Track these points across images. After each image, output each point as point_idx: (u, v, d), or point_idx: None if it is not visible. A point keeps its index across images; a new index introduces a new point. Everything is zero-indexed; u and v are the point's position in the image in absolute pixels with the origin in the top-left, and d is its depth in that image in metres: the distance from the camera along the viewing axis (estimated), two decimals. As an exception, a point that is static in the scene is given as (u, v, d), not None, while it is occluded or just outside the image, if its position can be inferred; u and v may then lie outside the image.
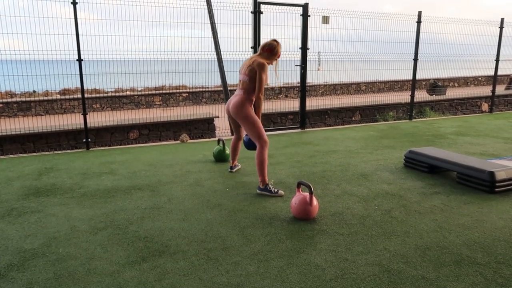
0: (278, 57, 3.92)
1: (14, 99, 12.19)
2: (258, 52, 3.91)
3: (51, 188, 3.98)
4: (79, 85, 5.79)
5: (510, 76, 15.08)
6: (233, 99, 3.89)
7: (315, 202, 3.15)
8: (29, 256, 2.63)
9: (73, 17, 5.47)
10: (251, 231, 2.97)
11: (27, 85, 6.33)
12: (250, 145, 4.02)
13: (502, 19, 9.26)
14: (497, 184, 3.72)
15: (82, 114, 5.99)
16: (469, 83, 21.24)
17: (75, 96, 12.45)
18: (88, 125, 6.22)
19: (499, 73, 9.72)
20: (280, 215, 3.28)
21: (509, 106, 11.84)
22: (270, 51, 3.84)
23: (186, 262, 2.53)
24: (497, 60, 9.45)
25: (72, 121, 7.87)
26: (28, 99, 12.07)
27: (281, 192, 3.74)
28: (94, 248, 2.73)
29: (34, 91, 12.84)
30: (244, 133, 4.14)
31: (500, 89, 12.92)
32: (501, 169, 3.80)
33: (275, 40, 3.88)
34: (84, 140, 5.99)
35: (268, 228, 3.02)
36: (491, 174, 3.73)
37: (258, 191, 3.79)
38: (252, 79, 3.77)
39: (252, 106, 3.86)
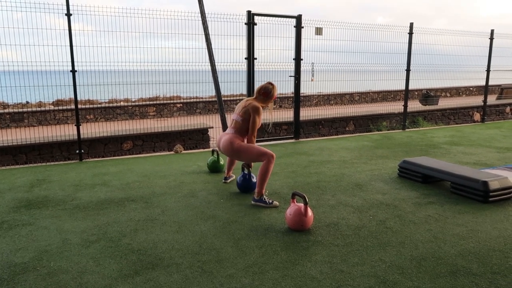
0: (274, 99, 4.03)
1: (6, 110, 12.10)
2: (254, 96, 4.01)
3: (43, 200, 3.93)
4: (72, 96, 5.76)
5: (501, 86, 15.28)
6: (223, 138, 3.95)
7: (310, 213, 3.14)
8: (19, 270, 2.58)
9: (67, 28, 5.47)
10: (245, 243, 2.94)
11: (20, 96, 6.30)
12: (242, 188, 4.10)
13: (492, 31, 9.42)
14: (491, 193, 3.73)
15: (75, 125, 5.96)
16: (461, 93, 21.49)
17: (69, 107, 12.39)
18: (82, 136, 6.18)
19: (490, 83, 9.85)
20: (275, 226, 3.26)
21: (501, 116, 11.98)
22: (266, 94, 3.95)
23: (180, 275, 2.50)
24: (488, 71, 9.58)
25: (65, 132, 7.82)
26: (21, 110, 11.99)
27: (275, 203, 3.73)
28: (86, 261, 2.68)
29: (27, 102, 12.77)
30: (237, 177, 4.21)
31: (492, 99, 13.07)
32: (494, 178, 3.82)
33: (270, 83, 3.99)
34: (77, 151, 5.94)
35: (263, 240, 2.99)
36: (485, 183, 3.75)
37: (252, 202, 3.77)
38: (246, 121, 3.87)
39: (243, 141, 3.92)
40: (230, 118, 4.12)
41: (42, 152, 6.91)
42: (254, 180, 4.05)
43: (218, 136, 4.13)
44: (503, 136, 7.63)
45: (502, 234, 3.08)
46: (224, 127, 7.23)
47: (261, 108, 3.90)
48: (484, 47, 9.44)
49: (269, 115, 4.25)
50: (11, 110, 12.05)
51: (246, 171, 4.11)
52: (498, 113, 12.03)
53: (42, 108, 12.55)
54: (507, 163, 5.33)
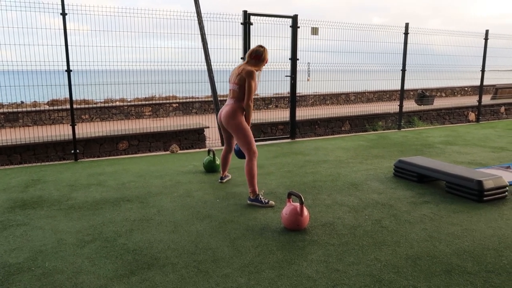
0: (266, 62, 3.94)
1: (1, 110, 12.03)
2: (245, 60, 3.92)
3: (38, 201, 3.91)
4: (67, 96, 5.74)
5: (495, 86, 15.38)
6: (225, 109, 3.89)
7: (305, 212, 3.14)
8: (14, 271, 2.56)
9: (63, 28, 5.45)
10: (241, 243, 2.94)
11: (14, 96, 6.26)
12: (240, 154, 4.01)
13: (487, 31, 9.48)
14: (485, 193, 3.76)
15: (70, 125, 5.93)
16: (456, 93, 21.60)
17: (64, 107, 12.32)
18: (77, 136, 6.15)
19: (485, 83, 9.91)
20: (270, 225, 3.26)
21: (495, 116, 12.06)
22: (258, 57, 3.86)
23: (175, 275, 2.49)
24: (483, 71, 9.64)
25: (61, 132, 7.78)
26: (15, 110, 11.92)
27: (271, 202, 3.73)
28: (82, 261, 2.67)
29: (22, 102, 12.69)
30: (235, 143, 4.14)
31: (486, 99, 13.16)
32: (489, 178, 3.85)
33: (261, 46, 3.90)
34: (72, 151, 5.92)
35: (259, 239, 2.99)
36: (480, 183, 3.77)
37: (248, 201, 3.77)
38: (242, 88, 3.79)
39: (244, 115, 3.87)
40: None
41: (37, 152, 6.87)
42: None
43: (220, 110, 4.04)
44: (498, 135, 7.68)
45: (497, 233, 3.10)
46: (220, 127, 7.21)
47: (255, 72, 3.81)
48: (479, 47, 9.50)
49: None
50: (5, 110, 11.97)
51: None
52: (492, 113, 12.11)
53: (37, 108, 12.48)
54: (502, 163, 5.36)
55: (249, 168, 3.73)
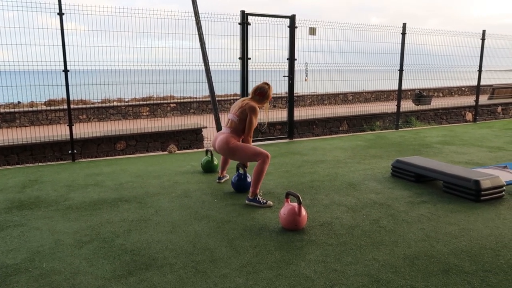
0: (270, 100, 4.03)
1: (-2, 110, 11.99)
2: (250, 96, 4.01)
3: (35, 201, 3.90)
4: (65, 96, 5.72)
5: (492, 86, 15.43)
6: (219, 137, 3.93)
7: (303, 212, 3.14)
8: (11, 272, 2.55)
9: (60, 27, 5.43)
10: (239, 243, 2.94)
11: (11, 96, 6.24)
12: (237, 187, 4.10)
13: (484, 31, 9.51)
14: (482, 192, 3.77)
15: (68, 125, 5.91)
16: (453, 93, 21.67)
17: (61, 107, 12.30)
18: (74, 136, 6.14)
19: (482, 83, 9.95)
20: (269, 226, 3.26)
21: (492, 116, 12.10)
22: (262, 95, 3.94)
23: (173, 275, 2.49)
24: (480, 71, 9.67)
25: (58, 132, 7.76)
26: (12, 110, 11.88)
27: (269, 202, 3.73)
28: (79, 262, 2.67)
29: (19, 102, 12.64)
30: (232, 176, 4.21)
31: (483, 99, 13.20)
32: (486, 177, 3.86)
33: (266, 84, 3.99)
34: (70, 151, 5.90)
35: (257, 239, 2.99)
36: (477, 182, 3.79)
37: (246, 201, 3.77)
38: (242, 121, 3.86)
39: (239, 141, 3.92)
40: (224, 118, 4.11)
41: (34, 152, 6.85)
42: (249, 180, 4.06)
43: (214, 136, 4.12)
44: (495, 135, 7.70)
45: (494, 232, 3.11)
46: (218, 127, 7.22)
47: (257, 109, 3.89)
48: (475, 48, 9.54)
49: (264, 115, 4.23)
50: (2, 110, 11.93)
51: (241, 171, 4.11)
52: (489, 113, 12.15)
53: (34, 108, 12.45)
54: (499, 162, 5.38)
55: (260, 168, 3.71)
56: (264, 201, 3.73)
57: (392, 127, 9.39)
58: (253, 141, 6.97)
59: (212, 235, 3.08)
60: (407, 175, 4.50)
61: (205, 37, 7.02)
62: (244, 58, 6.59)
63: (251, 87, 4.04)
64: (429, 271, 2.52)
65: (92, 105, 12.98)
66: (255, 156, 3.74)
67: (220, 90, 7.65)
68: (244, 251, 2.81)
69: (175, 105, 14.22)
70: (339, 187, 4.29)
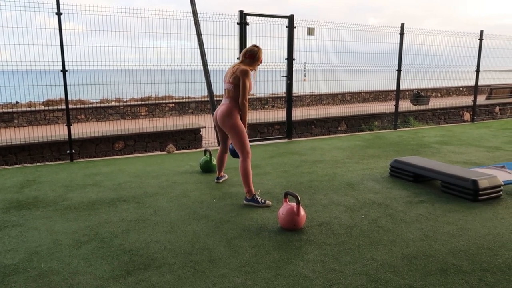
0: (261, 62, 3.94)
1: (-4, 110, 11.96)
2: (240, 60, 3.93)
3: (33, 201, 3.89)
4: (63, 96, 5.71)
5: (490, 86, 15.47)
6: (220, 108, 3.89)
7: (302, 212, 3.15)
8: (9, 272, 2.55)
9: (58, 27, 5.42)
10: (238, 243, 2.94)
11: (9, 96, 6.22)
12: (235, 154, 4.02)
13: (482, 32, 9.53)
14: (480, 192, 3.78)
15: (66, 125, 5.91)
16: (451, 93, 21.71)
17: (59, 107, 12.28)
18: (73, 136, 6.13)
19: (479, 83, 9.97)
20: (267, 225, 3.26)
21: (490, 116, 12.13)
22: (252, 57, 3.86)
23: (172, 275, 2.49)
24: (478, 71, 9.69)
25: (56, 132, 7.75)
26: (10, 110, 11.85)
27: (268, 202, 3.73)
28: (78, 262, 2.66)
29: (17, 102, 12.62)
30: (230, 143, 4.14)
31: (481, 99, 13.23)
32: (484, 177, 3.87)
33: (255, 46, 3.90)
34: (68, 151, 5.89)
35: (256, 239, 3.00)
36: (475, 182, 3.80)
37: (245, 202, 3.78)
38: (237, 87, 3.79)
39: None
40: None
41: (32, 152, 6.83)
42: None
43: (216, 110, 4.04)
44: (493, 135, 7.72)
45: (491, 232, 3.12)
46: (217, 127, 7.20)
47: (250, 71, 3.81)
48: (473, 48, 9.56)
49: (252, 79, 4.08)
50: (0, 110, 11.90)
51: None
52: (487, 113, 12.18)
53: (32, 108, 12.42)
54: (496, 162, 5.40)
55: (244, 168, 3.74)
56: (263, 201, 3.73)
57: (390, 127, 9.40)
58: (252, 141, 6.98)
59: (211, 235, 3.08)
60: (405, 175, 4.51)
61: (204, 37, 7.02)
62: (243, 58, 6.58)
63: (242, 50, 3.94)
64: (427, 271, 2.53)
65: (90, 105, 12.96)
66: (241, 146, 3.75)
67: (219, 90, 7.64)
68: (242, 251, 2.81)
69: (173, 105, 14.21)
70: (337, 187, 4.30)
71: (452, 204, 3.74)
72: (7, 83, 5.77)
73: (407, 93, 18.05)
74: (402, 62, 8.45)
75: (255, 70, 3.96)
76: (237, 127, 3.78)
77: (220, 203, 3.81)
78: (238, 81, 3.77)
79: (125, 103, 13.67)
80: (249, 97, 3.87)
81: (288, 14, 6.97)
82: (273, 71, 7.03)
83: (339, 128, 10.00)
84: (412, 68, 8.87)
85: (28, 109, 12.24)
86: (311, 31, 7.20)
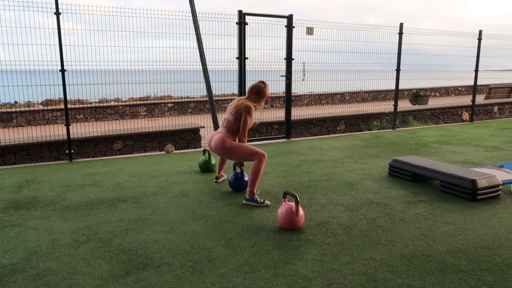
0: (267, 98, 4.03)
1: (-6, 110, 11.94)
2: (246, 95, 4.01)
3: (32, 201, 3.89)
4: (62, 96, 5.71)
5: (489, 86, 15.49)
6: (215, 136, 3.94)
7: (301, 212, 3.15)
8: (8, 272, 2.55)
9: (56, 27, 5.42)
10: (237, 242, 2.94)
11: (8, 96, 6.21)
12: (234, 186, 4.09)
13: (480, 31, 9.54)
14: (479, 192, 3.79)
15: (65, 125, 5.90)
16: (450, 93, 21.74)
17: (58, 107, 12.26)
18: (71, 136, 6.12)
19: (478, 83, 9.98)
20: (266, 225, 3.26)
21: (489, 115, 12.15)
22: (258, 93, 3.94)
23: (171, 275, 2.49)
24: (476, 71, 9.70)
25: (55, 132, 7.74)
26: (9, 110, 11.83)
27: (267, 202, 3.73)
28: (76, 262, 2.66)
29: (16, 102, 12.61)
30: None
31: (480, 99, 13.25)
32: (482, 177, 3.88)
33: (262, 82, 3.98)
34: (67, 151, 5.89)
35: (255, 239, 3.00)
36: (473, 182, 3.80)
37: (244, 201, 3.78)
38: (237, 120, 3.86)
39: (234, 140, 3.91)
40: (222, 117, 4.11)
41: (31, 152, 6.83)
42: (246, 179, 4.05)
43: (210, 135, 4.12)
44: (491, 135, 7.73)
45: (490, 231, 3.13)
46: (216, 127, 7.21)
47: (253, 108, 3.90)
48: (472, 47, 9.57)
49: (259, 115, 4.24)
50: (-1, 110, 11.88)
51: (238, 170, 4.11)
52: (486, 113, 12.20)
53: (31, 108, 12.40)
54: (495, 162, 5.40)
55: (257, 168, 3.71)
56: (262, 200, 3.73)
57: (389, 126, 9.41)
58: (251, 140, 6.98)
59: (210, 235, 3.08)
60: (404, 175, 4.52)
61: (203, 37, 7.02)
62: (242, 58, 6.59)
63: (248, 86, 4.03)
64: (426, 270, 2.53)
65: (89, 105, 12.94)
66: (251, 155, 3.75)
67: (218, 90, 7.65)
68: (241, 250, 2.81)
69: (172, 105, 14.21)
70: (336, 187, 4.30)
71: (450, 204, 3.75)
72: (6, 83, 5.76)
73: (406, 92, 18.07)
74: (401, 62, 8.45)
75: (260, 105, 4.06)
76: (233, 146, 3.81)
77: (219, 203, 3.81)
78: (239, 116, 3.85)
79: (124, 103, 13.66)
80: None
81: (287, 14, 6.97)
82: (272, 71, 7.03)
83: (338, 128, 10.01)
84: (411, 67, 8.88)
85: (27, 109, 12.22)
86: (310, 31, 7.21)
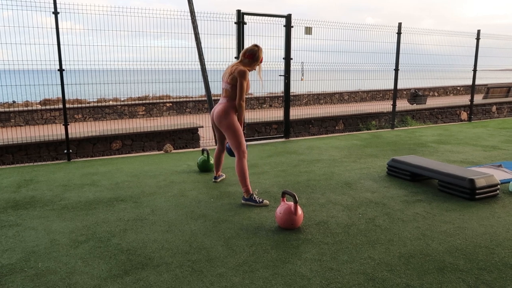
0: (261, 62, 3.90)
1: (-8, 110, 11.91)
2: (239, 59, 3.88)
3: (31, 201, 3.88)
4: (60, 95, 5.70)
5: (487, 85, 15.53)
6: (217, 107, 3.89)
7: (299, 211, 3.15)
8: (6, 272, 2.54)
9: (55, 26, 5.40)
10: (236, 242, 2.94)
11: (6, 95, 6.20)
12: (232, 152, 4.02)
13: (479, 31, 9.56)
14: (477, 191, 3.80)
15: (63, 124, 5.89)
16: (448, 93, 21.78)
17: (56, 107, 12.24)
18: (70, 136, 6.11)
19: (476, 82, 10.00)
20: (265, 225, 3.26)
21: (487, 115, 12.17)
22: (252, 56, 3.82)
23: (170, 275, 2.49)
24: (475, 70, 9.72)
25: (53, 131, 7.72)
26: (7, 109, 11.81)
27: (265, 201, 3.73)
28: (75, 262, 2.66)
29: (14, 101, 12.59)
30: (227, 142, 4.14)
31: (478, 98, 13.28)
32: (480, 176, 3.89)
33: (256, 45, 3.86)
34: (65, 151, 5.88)
35: (253, 239, 3.00)
36: (472, 181, 3.81)
37: (242, 201, 3.78)
38: (235, 87, 3.77)
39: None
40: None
41: (29, 152, 6.81)
42: None
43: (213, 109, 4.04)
44: (490, 134, 7.75)
45: (488, 230, 3.13)
46: (214, 126, 7.20)
47: (247, 72, 3.78)
48: (470, 47, 9.58)
49: (258, 78, 4.03)
50: (-3, 110, 11.86)
51: None
52: (484, 112, 12.22)
53: (29, 108, 12.38)
54: (493, 161, 5.42)
55: (240, 168, 3.73)
56: (260, 200, 3.73)
57: (387, 126, 9.42)
58: (250, 140, 6.98)
59: (208, 234, 3.08)
60: (402, 174, 4.52)
61: (201, 37, 7.02)
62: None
63: (242, 50, 3.92)
64: (424, 269, 2.54)
65: (87, 105, 12.94)
66: (236, 146, 3.75)
67: (216, 89, 7.63)
68: (240, 250, 2.82)
69: (171, 104, 14.20)
70: (335, 186, 4.30)
71: (449, 203, 3.76)
72: (4, 83, 5.74)
73: (405, 92, 18.09)
74: (400, 62, 8.47)
75: (256, 69, 3.93)
76: (233, 126, 3.78)
77: (217, 203, 3.80)
78: (235, 81, 3.75)
79: (122, 103, 13.65)
80: (247, 96, 3.87)
81: (285, 14, 6.97)
82: (270, 71, 7.03)
83: (336, 128, 10.01)
84: (409, 67, 8.89)
85: (25, 108, 12.20)
86: (308, 31, 7.21)
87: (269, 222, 3.31)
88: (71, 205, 3.74)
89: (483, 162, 5.40)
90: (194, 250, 2.81)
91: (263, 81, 4.07)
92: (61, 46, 5.49)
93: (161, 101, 14.09)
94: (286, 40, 7.00)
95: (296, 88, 8.23)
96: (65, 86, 5.64)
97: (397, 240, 2.97)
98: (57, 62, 5.50)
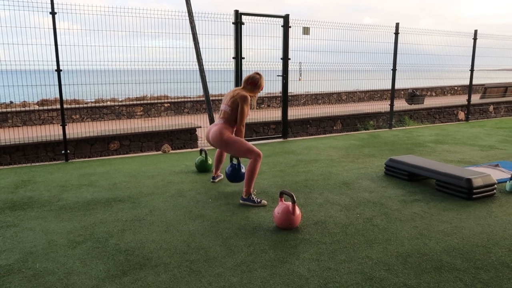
0: (261, 89, 4.04)
1: (-10, 110, 11.88)
2: (241, 85, 4.00)
3: (28, 202, 3.88)
4: (58, 96, 5.68)
5: (484, 85, 15.57)
6: (213, 128, 3.92)
7: (297, 211, 3.16)
8: (4, 273, 2.54)
9: (52, 27, 5.40)
10: (234, 242, 2.95)
11: (3, 96, 6.19)
12: (231, 178, 4.08)
13: (476, 31, 9.59)
14: (474, 190, 3.81)
15: (61, 125, 5.88)
16: (446, 92, 21.83)
17: (54, 107, 12.21)
18: (67, 136, 6.10)
19: (474, 82, 10.03)
20: (263, 225, 3.27)
21: (484, 115, 12.21)
22: (254, 84, 3.95)
23: (168, 275, 2.49)
24: (472, 70, 9.75)
25: (51, 132, 7.71)
26: (4, 110, 11.78)
27: (264, 202, 3.74)
28: (73, 262, 2.66)
29: (11, 102, 12.55)
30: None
31: (475, 98, 13.31)
32: (478, 176, 3.90)
33: (258, 73, 3.99)
34: (63, 151, 5.87)
35: (251, 239, 3.00)
36: (469, 181, 3.82)
37: (241, 201, 3.78)
38: (234, 111, 3.85)
39: (232, 133, 3.90)
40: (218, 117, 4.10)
41: (27, 152, 6.80)
42: (243, 170, 4.05)
43: (207, 128, 4.10)
44: (487, 134, 7.78)
45: (485, 230, 3.15)
46: (212, 126, 7.20)
47: (249, 98, 3.88)
48: (468, 47, 9.62)
49: (253, 113, 4.25)
50: (-6, 110, 11.82)
51: (235, 162, 4.09)
52: (481, 112, 12.26)
53: (27, 108, 12.35)
54: (490, 161, 5.44)
55: (252, 167, 3.70)
56: (258, 200, 3.73)
57: (385, 126, 9.44)
58: (248, 140, 6.98)
59: (207, 235, 3.08)
60: (400, 174, 4.54)
61: (199, 37, 7.02)
62: (238, 57, 6.59)
63: (244, 77, 4.04)
64: (422, 269, 2.55)
65: (85, 105, 12.91)
66: (247, 152, 3.74)
67: (214, 89, 7.65)
68: (238, 250, 2.82)
69: (169, 104, 14.19)
70: (333, 186, 4.31)
71: (446, 203, 3.77)
72: (1, 83, 5.73)
73: (402, 92, 18.13)
74: (397, 62, 8.49)
75: (255, 96, 4.06)
76: (231, 140, 3.79)
77: (215, 203, 3.81)
78: (235, 106, 3.84)
79: (120, 103, 13.63)
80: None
81: (283, 14, 6.98)
82: (268, 71, 7.03)
83: (334, 128, 10.03)
84: (407, 67, 8.91)
85: (23, 109, 12.17)
86: (306, 31, 7.22)
87: (267, 222, 3.32)
88: (69, 206, 3.74)
89: (480, 161, 5.42)
90: (192, 250, 2.81)
91: (255, 106, 4.22)
92: (59, 47, 5.48)
93: (159, 101, 14.08)
94: (284, 40, 7.01)
95: (294, 88, 8.26)
96: (63, 87, 5.63)
97: (394, 239, 2.98)
98: (55, 63, 5.50)
